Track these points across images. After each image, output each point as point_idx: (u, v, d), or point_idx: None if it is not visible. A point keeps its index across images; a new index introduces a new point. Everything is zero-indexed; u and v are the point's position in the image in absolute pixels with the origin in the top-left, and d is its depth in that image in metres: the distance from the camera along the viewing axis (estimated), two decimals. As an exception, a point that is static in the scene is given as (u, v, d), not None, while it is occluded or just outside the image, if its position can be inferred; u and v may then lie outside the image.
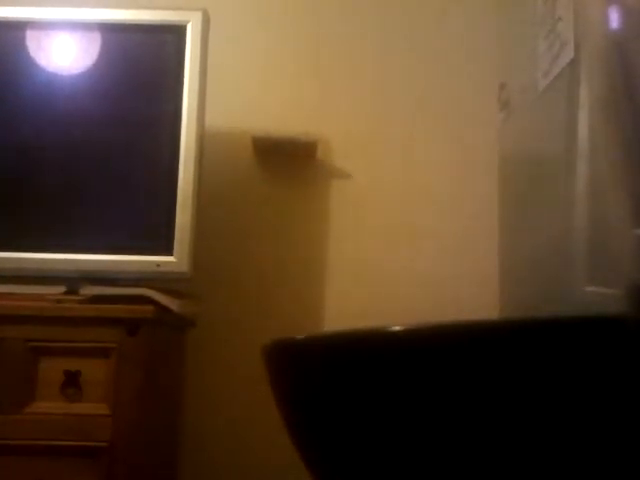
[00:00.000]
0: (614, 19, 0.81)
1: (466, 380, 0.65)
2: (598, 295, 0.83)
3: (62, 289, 1.30)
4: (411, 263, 1.63)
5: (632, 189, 0.75)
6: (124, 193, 1.40)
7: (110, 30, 1.44)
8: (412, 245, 1.64)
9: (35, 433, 1.16)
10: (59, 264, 1.34)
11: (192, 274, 1.35)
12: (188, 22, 1.41)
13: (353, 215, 1.67)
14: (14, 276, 1.33)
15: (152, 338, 1.23)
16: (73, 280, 1.32)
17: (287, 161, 1.67)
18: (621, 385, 0.63)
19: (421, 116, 1.71)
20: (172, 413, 1.47)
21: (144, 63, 1.38)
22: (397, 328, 0.70)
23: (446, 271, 1.61)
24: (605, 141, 0.81)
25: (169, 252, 1.34)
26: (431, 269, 1.62)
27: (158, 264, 1.34)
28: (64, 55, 1.47)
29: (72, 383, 1.18)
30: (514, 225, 1.38)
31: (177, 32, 1.41)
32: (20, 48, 1.44)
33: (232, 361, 1.57)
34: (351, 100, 1.71)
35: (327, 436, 0.71)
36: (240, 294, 1.62)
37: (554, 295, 1.02)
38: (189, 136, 1.40)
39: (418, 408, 0.66)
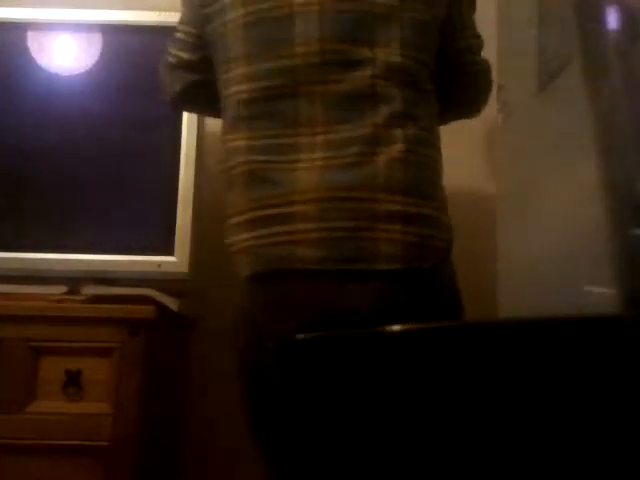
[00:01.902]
0: (613, 20, 0.81)
1: (465, 380, 0.65)
2: (598, 295, 0.84)
3: (63, 289, 1.30)
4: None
5: (631, 189, 0.76)
6: (125, 194, 1.40)
7: (111, 31, 1.45)
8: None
9: (36, 432, 1.17)
10: (60, 264, 1.34)
11: (193, 274, 1.36)
12: (189, 23, 1.41)
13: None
14: (15, 276, 1.33)
15: (153, 338, 1.24)
16: (74, 280, 1.32)
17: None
18: (620, 384, 0.63)
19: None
20: (173, 412, 1.47)
21: (145, 64, 1.38)
22: (397, 328, 0.70)
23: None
24: (604, 142, 0.82)
25: (170, 252, 1.35)
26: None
27: (159, 264, 1.34)
28: (65, 56, 1.48)
29: (73, 383, 1.18)
30: (514, 225, 1.38)
31: (178, 33, 1.41)
32: (21, 49, 1.44)
33: (233, 361, 1.57)
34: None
35: (329, 436, 0.72)
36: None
37: (554, 295, 1.02)
38: (189, 137, 1.40)
39: (417, 406, 0.66)
